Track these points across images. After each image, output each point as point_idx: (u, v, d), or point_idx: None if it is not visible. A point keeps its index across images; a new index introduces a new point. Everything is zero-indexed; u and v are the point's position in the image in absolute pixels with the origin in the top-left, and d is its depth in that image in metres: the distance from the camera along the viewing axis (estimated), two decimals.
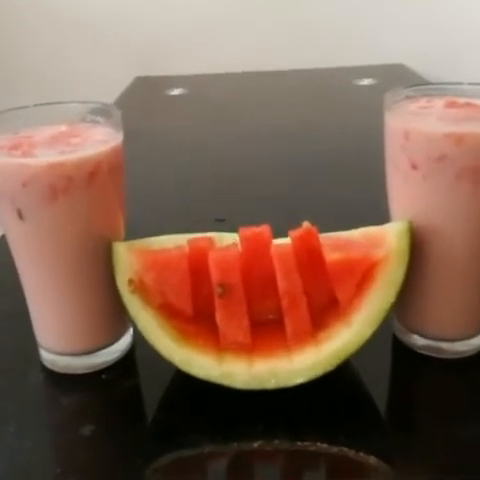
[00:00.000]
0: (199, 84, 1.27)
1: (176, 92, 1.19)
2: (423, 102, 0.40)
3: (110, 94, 1.21)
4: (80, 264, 0.38)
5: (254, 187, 0.72)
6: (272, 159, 0.82)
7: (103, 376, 0.40)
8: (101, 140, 0.36)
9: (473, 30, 1.46)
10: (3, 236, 0.39)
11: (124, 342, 0.42)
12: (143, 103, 1.18)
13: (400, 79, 1.28)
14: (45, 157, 0.34)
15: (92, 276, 0.39)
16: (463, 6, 1.43)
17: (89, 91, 1.50)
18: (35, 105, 0.40)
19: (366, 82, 1.22)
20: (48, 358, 0.41)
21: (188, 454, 0.35)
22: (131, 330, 0.42)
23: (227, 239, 0.41)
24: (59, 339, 0.40)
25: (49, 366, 0.41)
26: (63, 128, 0.39)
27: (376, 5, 1.45)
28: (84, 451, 0.35)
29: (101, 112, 0.39)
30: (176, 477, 0.34)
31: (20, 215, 0.36)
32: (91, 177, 0.36)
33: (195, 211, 0.66)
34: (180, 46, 1.46)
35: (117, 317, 0.41)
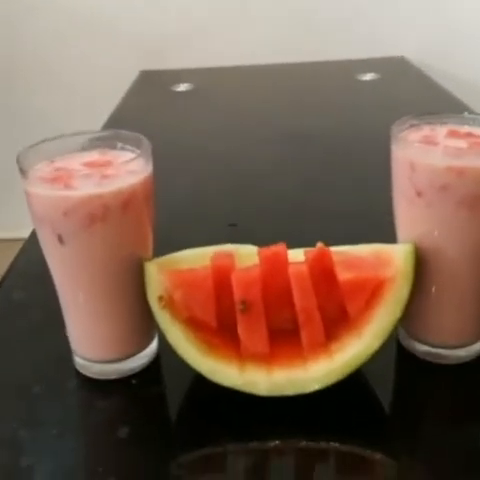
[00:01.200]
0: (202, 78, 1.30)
1: (182, 88, 1.21)
2: (427, 130, 0.44)
3: (114, 88, 1.24)
4: (114, 282, 0.42)
5: (260, 189, 0.76)
6: (277, 158, 0.85)
7: (133, 381, 0.44)
8: (134, 170, 0.40)
9: (472, 23, 1.48)
10: (37, 249, 0.43)
11: (150, 350, 0.45)
12: (149, 100, 1.20)
13: (402, 74, 1.31)
14: (84, 189, 0.38)
15: (124, 292, 0.42)
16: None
17: (93, 83, 1.53)
18: (71, 134, 0.43)
19: (368, 77, 1.25)
20: (83, 364, 0.45)
21: (214, 451, 0.39)
22: (156, 339, 0.46)
23: (243, 251, 0.45)
24: (93, 348, 0.44)
25: (83, 372, 0.45)
26: (95, 156, 0.43)
27: None
28: (122, 452, 0.39)
29: (131, 141, 0.43)
30: (204, 473, 0.38)
31: (60, 240, 0.39)
32: (126, 205, 0.39)
33: (207, 213, 0.70)
34: (185, 39, 1.48)
35: (145, 328, 0.45)
